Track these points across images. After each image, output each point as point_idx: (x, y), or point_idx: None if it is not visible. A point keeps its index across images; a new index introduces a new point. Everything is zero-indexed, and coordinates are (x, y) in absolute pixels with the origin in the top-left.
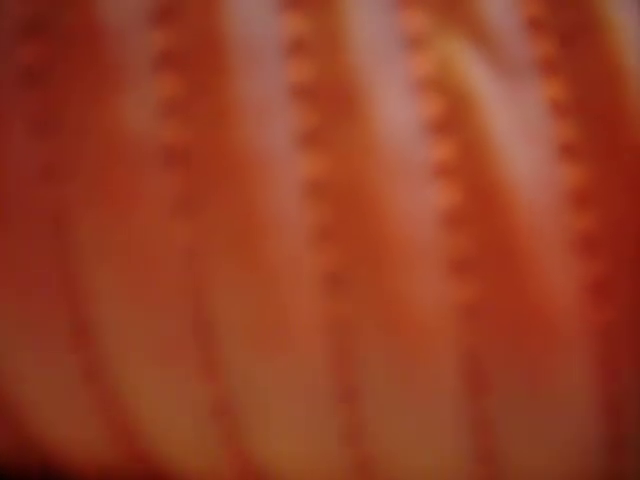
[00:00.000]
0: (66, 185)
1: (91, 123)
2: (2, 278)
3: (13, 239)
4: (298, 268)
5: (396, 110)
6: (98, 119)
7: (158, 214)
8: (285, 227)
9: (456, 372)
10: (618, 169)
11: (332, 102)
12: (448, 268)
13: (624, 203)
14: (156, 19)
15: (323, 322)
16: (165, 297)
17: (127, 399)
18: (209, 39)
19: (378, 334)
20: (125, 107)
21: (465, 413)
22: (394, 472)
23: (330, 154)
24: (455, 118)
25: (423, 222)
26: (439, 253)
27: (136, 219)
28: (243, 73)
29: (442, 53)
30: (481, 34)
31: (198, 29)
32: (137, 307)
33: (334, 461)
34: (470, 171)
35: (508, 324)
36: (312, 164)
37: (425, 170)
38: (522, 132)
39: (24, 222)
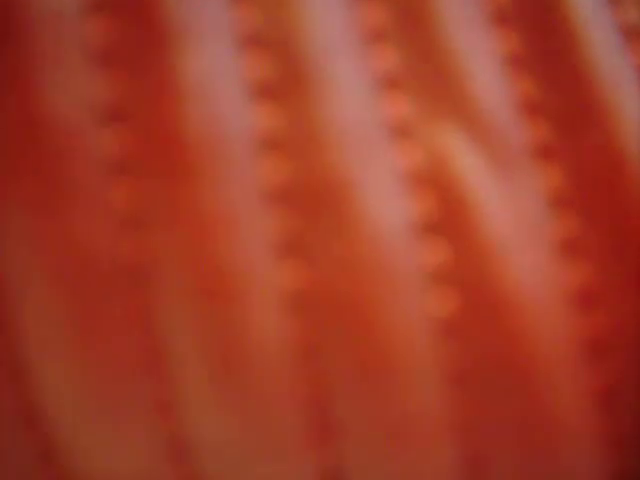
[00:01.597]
0: (15, 308)
1: (38, 240)
2: None
3: None
4: (283, 393)
5: (383, 211)
6: (46, 236)
7: (124, 337)
8: (267, 348)
9: None
10: (624, 265)
11: (312, 205)
12: (449, 383)
13: (633, 303)
14: (107, 120)
15: (312, 451)
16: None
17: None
18: (167, 139)
19: (370, 459)
20: (77, 223)
21: None
22: None
23: (313, 263)
24: (448, 217)
25: (417, 334)
26: (436, 367)
27: (100, 345)
28: (209, 178)
29: (431, 143)
30: (472, 119)
31: (155, 128)
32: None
33: None
34: (467, 276)
35: (514, 439)
36: (293, 275)
37: (417, 277)
38: (521, 229)
39: None
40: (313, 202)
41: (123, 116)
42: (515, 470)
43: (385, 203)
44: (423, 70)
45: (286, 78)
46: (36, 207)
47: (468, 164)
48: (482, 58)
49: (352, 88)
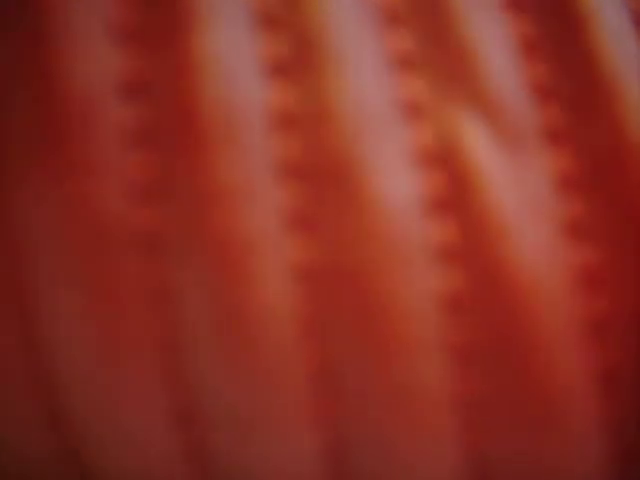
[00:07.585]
0: (29, 274)
1: (53, 207)
2: None
3: None
4: (288, 363)
5: (393, 188)
6: (62, 204)
7: (136, 305)
8: (274, 318)
9: (459, 469)
10: (629, 248)
11: (323, 180)
12: (451, 359)
13: (636, 286)
14: (126, 93)
15: (314, 421)
16: (143, 389)
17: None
18: (184, 113)
19: (372, 430)
20: (93, 191)
21: None
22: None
23: (322, 238)
24: (457, 196)
25: (421, 309)
26: (439, 342)
27: (113, 312)
28: (223, 151)
29: (442, 123)
30: (484, 101)
31: (172, 102)
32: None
33: None
34: (474, 254)
35: (514, 416)
36: (302, 248)
37: (425, 253)
38: (529, 210)
39: None
40: (324, 177)
41: (142, 89)
42: (514, 446)
43: (395, 180)
44: (437, 52)
45: (301, 56)
46: (54, 175)
47: (478, 144)
48: (495, 41)
49: (366, 67)
